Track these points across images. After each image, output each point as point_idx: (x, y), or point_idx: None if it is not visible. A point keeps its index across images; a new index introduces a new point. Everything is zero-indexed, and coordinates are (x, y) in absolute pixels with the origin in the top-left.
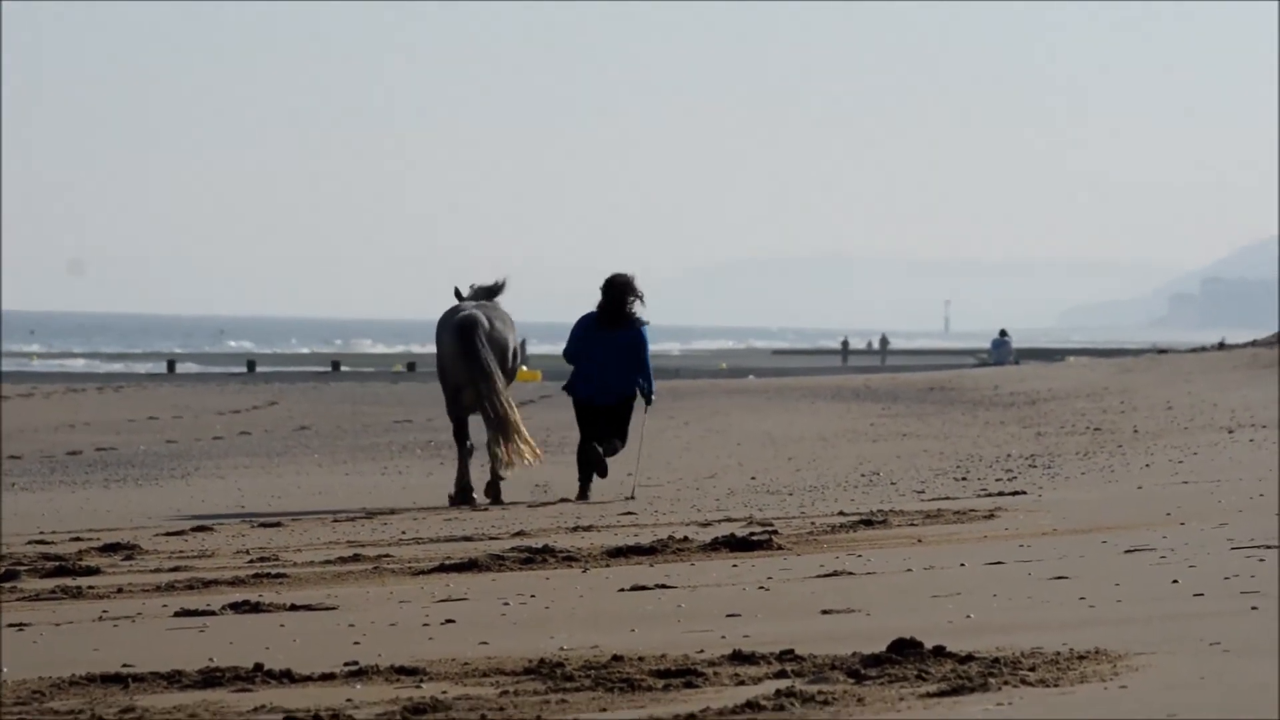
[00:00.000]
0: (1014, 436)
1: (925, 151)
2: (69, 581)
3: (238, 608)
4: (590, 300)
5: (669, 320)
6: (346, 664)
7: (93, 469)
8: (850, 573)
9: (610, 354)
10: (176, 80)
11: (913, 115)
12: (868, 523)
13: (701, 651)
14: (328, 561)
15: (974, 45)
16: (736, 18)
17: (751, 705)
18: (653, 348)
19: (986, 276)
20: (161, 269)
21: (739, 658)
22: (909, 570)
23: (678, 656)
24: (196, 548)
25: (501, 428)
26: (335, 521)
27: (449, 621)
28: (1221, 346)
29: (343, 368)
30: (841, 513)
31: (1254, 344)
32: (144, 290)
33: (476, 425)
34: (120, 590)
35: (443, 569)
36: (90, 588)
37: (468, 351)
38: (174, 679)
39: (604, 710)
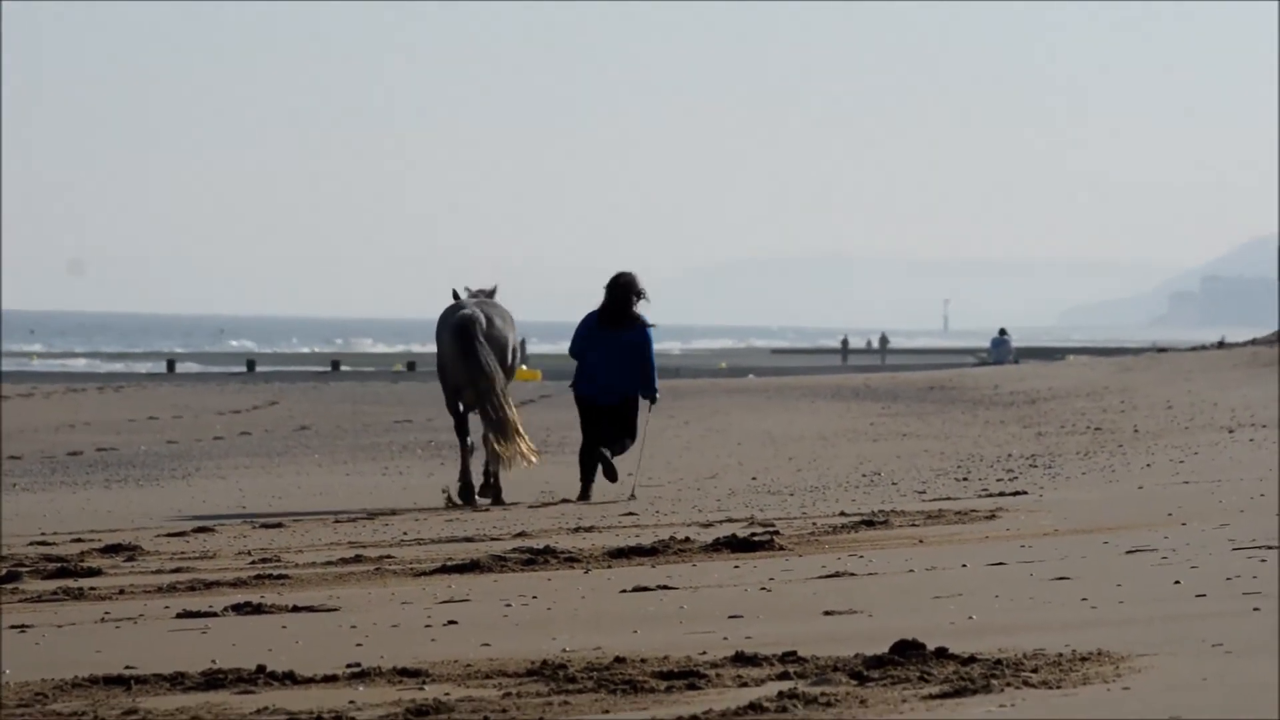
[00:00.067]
0: (1014, 436)
1: (925, 151)
2: (71, 583)
3: (240, 609)
4: (591, 299)
5: (669, 320)
6: (349, 665)
7: (93, 469)
8: (852, 573)
9: (613, 353)
10: (176, 80)
11: (913, 115)
12: (869, 523)
13: (704, 653)
14: (329, 562)
15: (974, 45)
16: (736, 18)
17: (754, 707)
18: (654, 347)
19: (986, 276)
20: (161, 269)
21: (741, 659)
22: (911, 571)
23: (680, 658)
24: (198, 549)
25: (500, 428)
26: (337, 522)
27: (451, 623)
28: (1221, 345)
29: (343, 367)
30: (843, 513)
31: (1254, 342)
32: (144, 290)
33: (476, 425)
34: (122, 591)
35: (445, 570)
36: (92, 589)
37: (467, 351)
38: (176, 681)
39: (606, 712)
